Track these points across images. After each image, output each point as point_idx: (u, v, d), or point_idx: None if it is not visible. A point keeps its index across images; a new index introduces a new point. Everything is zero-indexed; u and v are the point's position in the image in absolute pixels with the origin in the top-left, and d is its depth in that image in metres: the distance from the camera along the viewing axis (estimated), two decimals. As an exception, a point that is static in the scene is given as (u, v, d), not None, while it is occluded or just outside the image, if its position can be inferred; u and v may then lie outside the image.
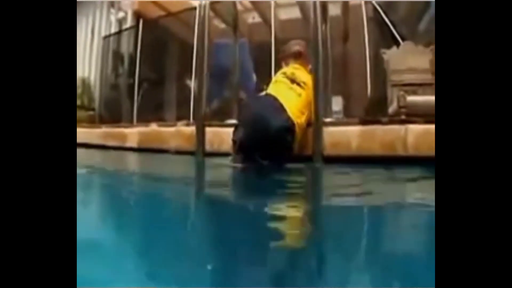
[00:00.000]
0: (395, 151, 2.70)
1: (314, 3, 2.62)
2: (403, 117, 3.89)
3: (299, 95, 2.69)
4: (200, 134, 2.73)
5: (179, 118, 6.14)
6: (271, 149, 2.45)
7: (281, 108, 2.51)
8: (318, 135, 2.49)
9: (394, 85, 4.75)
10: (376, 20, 5.33)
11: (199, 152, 2.72)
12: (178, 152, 3.16)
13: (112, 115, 7.20)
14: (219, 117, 4.22)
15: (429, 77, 4.55)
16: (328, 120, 2.96)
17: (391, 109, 4.49)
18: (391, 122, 2.90)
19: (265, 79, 4.42)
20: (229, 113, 3.79)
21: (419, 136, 2.70)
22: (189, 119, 5.64)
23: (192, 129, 3.22)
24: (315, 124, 2.51)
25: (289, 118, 2.49)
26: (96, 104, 7.65)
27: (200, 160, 2.73)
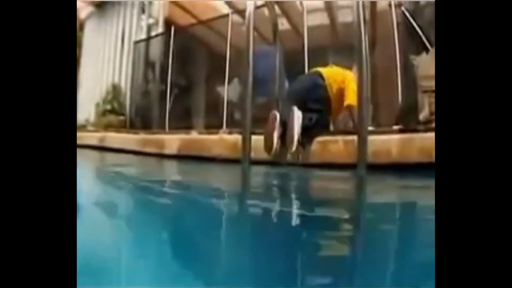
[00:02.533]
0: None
1: (358, 7, 2.66)
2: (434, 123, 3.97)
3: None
4: (247, 142, 2.84)
5: (209, 126, 6.27)
6: (308, 100, 3.02)
7: (317, 73, 3.28)
8: (363, 143, 2.56)
9: (425, 91, 4.79)
10: (405, 25, 5.35)
11: (246, 160, 2.83)
12: (222, 160, 3.28)
13: (143, 120, 7.38)
14: (254, 125, 4.27)
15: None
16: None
17: (422, 115, 4.53)
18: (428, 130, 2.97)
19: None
20: (265, 121, 3.87)
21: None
22: (221, 126, 5.76)
23: (234, 137, 3.36)
24: (360, 132, 2.59)
25: (322, 77, 3.19)
26: (127, 109, 7.85)
27: (246, 168, 2.85)
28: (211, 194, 2.20)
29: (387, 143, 2.91)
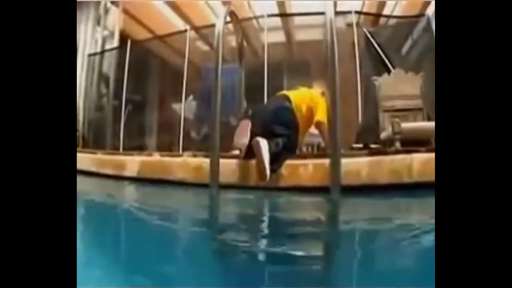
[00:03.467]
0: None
1: (330, 24, 2.62)
2: (397, 143, 4.03)
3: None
4: (215, 165, 2.69)
5: (164, 145, 6.02)
6: (275, 124, 3.02)
7: (283, 97, 3.34)
8: (335, 166, 2.50)
9: (386, 111, 4.88)
10: (366, 46, 5.46)
11: (214, 186, 2.67)
12: (188, 184, 3.10)
13: (96, 137, 7.02)
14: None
15: (419, 103, 4.71)
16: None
17: (383, 134, 4.60)
18: (397, 152, 2.97)
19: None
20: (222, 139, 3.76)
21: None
22: (178, 146, 5.55)
23: (199, 160, 3.19)
24: (333, 155, 2.52)
25: (289, 100, 3.25)
26: (80, 125, 7.45)
27: (215, 194, 2.69)
28: (176, 220, 2.12)
29: (356, 165, 2.86)
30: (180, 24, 7.37)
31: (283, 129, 3.06)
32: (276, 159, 2.86)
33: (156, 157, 3.40)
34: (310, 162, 2.94)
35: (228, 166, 3.02)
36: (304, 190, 2.82)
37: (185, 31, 6.13)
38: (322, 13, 2.64)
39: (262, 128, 3.05)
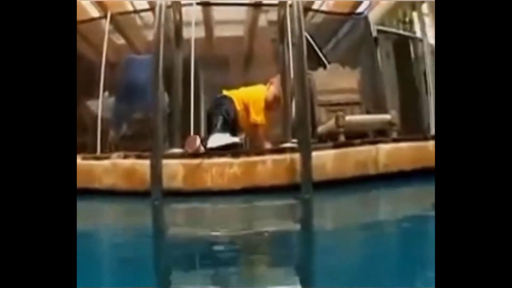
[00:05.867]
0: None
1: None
2: (342, 136, 3.87)
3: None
4: (158, 170, 2.16)
5: (81, 146, 5.21)
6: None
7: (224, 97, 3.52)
8: (306, 162, 2.14)
9: (321, 105, 4.74)
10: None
11: (157, 193, 2.14)
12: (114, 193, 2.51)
13: None
14: (131, 143, 3.79)
15: (357, 97, 4.64)
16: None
17: (322, 129, 4.43)
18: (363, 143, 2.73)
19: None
20: (144, 138, 3.38)
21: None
22: (95, 147, 4.82)
23: (132, 162, 2.62)
24: (302, 150, 2.17)
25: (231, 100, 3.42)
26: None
27: (158, 204, 2.15)
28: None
29: (321, 159, 2.54)
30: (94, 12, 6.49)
31: (225, 127, 3.25)
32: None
33: (78, 161, 2.73)
34: (268, 158, 2.54)
35: (170, 168, 2.50)
36: (264, 190, 2.42)
37: (97, 19, 5.35)
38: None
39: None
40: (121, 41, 6.17)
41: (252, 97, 3.58)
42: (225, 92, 3.62)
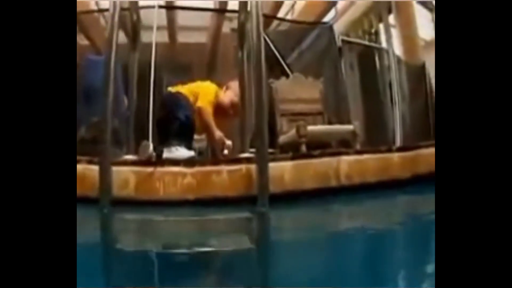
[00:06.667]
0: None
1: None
2: (303, 147, 3.84)
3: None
4: (107, 176, 2.00)
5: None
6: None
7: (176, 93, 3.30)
8: (263, 173, 2.05)
9: (283, 115, 4.70)
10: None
11: (105, 201, 1.99)
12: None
13: None
14: (90, 148, 3.58)
15: (319, 107, 4.64)
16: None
17: (283, 138, 4.38)
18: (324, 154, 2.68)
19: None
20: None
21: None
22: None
23: (82, 167, 2.44)
24: (259, 160, 2.08)
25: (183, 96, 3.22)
26: None
27: (106, 212, 2.00)
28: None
29: (280, 170, 2.47)
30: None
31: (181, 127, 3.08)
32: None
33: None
34: (224, 168, 2.44)
35: (121, 175, 2.35)
36: (218, 202, 2.32)
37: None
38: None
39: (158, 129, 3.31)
40: (84, 41, 5.93)
41: (201, 87, 3.38)
42: (172, 89, 3.40)
